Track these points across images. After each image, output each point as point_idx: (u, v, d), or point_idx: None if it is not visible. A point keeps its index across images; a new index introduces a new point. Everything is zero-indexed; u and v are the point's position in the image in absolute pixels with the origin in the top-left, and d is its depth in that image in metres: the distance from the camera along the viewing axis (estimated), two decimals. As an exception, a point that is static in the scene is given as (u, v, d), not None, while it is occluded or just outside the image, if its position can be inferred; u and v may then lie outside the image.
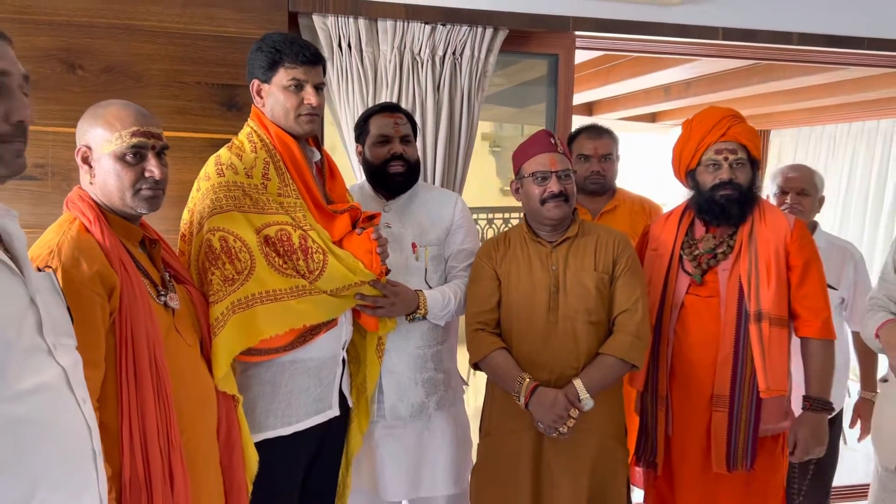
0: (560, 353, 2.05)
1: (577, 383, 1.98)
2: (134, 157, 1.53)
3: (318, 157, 2.01)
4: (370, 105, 2.61)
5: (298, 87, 1.85)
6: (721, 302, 2.13)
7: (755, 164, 2.18)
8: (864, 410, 2.69)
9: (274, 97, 1.86)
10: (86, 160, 1.55)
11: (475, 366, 2.15)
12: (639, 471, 2.46)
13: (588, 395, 1.96)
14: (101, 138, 1.53)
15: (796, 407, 2.20)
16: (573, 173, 2.12)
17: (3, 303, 1.09)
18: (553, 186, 2.05)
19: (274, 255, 1.81)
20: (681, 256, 2.21)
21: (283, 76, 1.84)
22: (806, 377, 2.15)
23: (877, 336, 1.85)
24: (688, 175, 2.25)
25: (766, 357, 2.04)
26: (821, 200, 2.70)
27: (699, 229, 2.23)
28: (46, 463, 1.11)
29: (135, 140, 1.53)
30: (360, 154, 2.27)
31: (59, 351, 1.18)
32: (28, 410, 1.08)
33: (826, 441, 2.13)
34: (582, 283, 2.07)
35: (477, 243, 2.30)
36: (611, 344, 2.04)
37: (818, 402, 2.11)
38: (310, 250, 1.82)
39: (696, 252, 2.19)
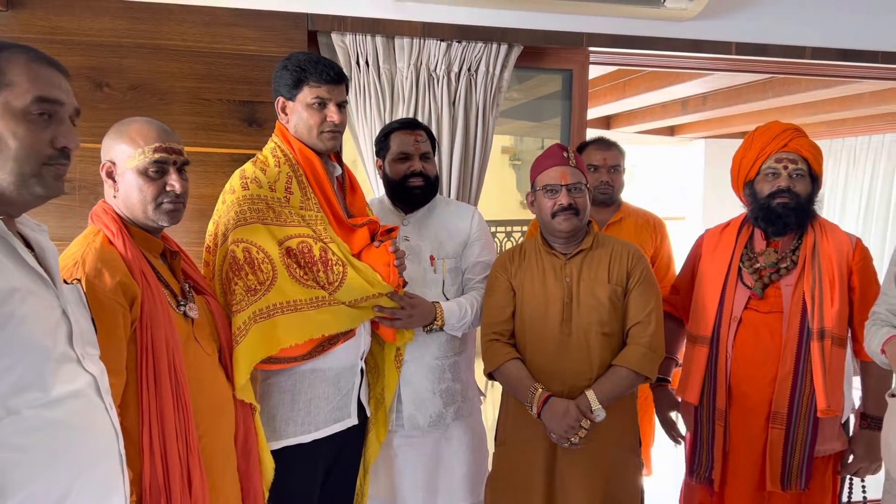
0: (573, 365, 2.06)
1: (590, 394, 2.00)
2: (156, 172, 1.59)
3: (339, 171, 2.06)
4: (388, 121, 2.66)
5: (322, 104, 1.90)
6: (784, 318, 2.10)
7: (816, 179, 2.15)
8: None
9: (298, 114, 1.92)
10: (110, 175, 1.61)
11: (489, 375, 2.18)
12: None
13: (600, 406, 1.98)
14: (125, 154, 1.58)
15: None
16: (586, 187, 2.13)
17: (41, 314, 1.15)
18: (562, 199, 2.07)
19: (295, 266, 1.86)
20: (739, 268, 2.19)
21: (307, 94, 1.89)
22: (864, 396, 2.15)
23: (882, 352, 1.84)
24: (746, 185, 2.22)
25: (827, 376, 2.02)
26: None
27: (759, 242, 2.20)
28: (80, 465, 1.17)
29: (157, 156, 1.58)
30: (381, 168, 2.31)
31: (87, 360, 1.24)
32: (64, 416, 1.15)
33: (878, 458, 2.12)
34: (595, 295, 2.08)
35: (493, 256, 2.33)
36: (623, 356, 2.05)
37: (875, 420, 2.10)
38: (330, 262, 1.87)
39: (757, 265, 2.16)
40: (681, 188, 8.74)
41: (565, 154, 2.12)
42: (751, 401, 2.12)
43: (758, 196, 2.16)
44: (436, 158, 2.64)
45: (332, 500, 2.10)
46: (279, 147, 1.94)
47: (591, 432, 2.00)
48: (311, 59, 1.90)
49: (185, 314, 1.64)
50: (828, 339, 2.04)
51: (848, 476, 2.26)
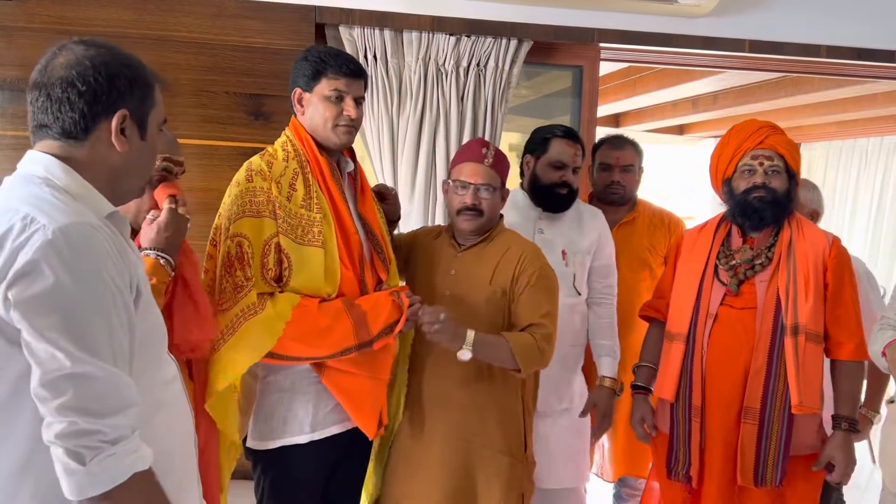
0: (441, 359, 1.99)
1: (470, 333, 1.86)
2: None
3: (351, 167, 2.02)
4: (395, 115, 2.66)
5: (339, 98, 1.86)
6: (757, 313, 2.09)
7: (793, 175, 2.15)
8: (862, 426, 2.63)
9: (314, 106, 1.88)
10: None
11: None
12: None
13: (471, 347, 1.85)
14: None
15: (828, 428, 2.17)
16: (500, 188, 2.04)
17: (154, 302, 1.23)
18: (467, 198, 2.00)
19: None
20: (716, 266, 2.19)
21: (325, 86, 1.86)
22: (836, 396, 2.12)
23: (883, 354, 1.81)
24: (724, 183, 2.22)
25: (801, 372, 2.00)
26: (812, 214, 2.62)
27: (735, 239, 2.20)
28: (179, 441, 1.26)
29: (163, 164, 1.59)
30: (529, 165, 2.40)
31: None
32: (168, 397, 1.24)
33: (855, 460, 2.10)
34: (473, 295, 2.00)
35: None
36: (512, 333, 1.94)
37: (844, 421, 2.08)
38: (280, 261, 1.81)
39: (733, 262, 2.16)
40: (690, 187, 8.70)
41: (484, 150, 2.02)
42: (725, 397, 2.11)
43: (735, 193, 2.17)
44: (442, 155, 2.63)
45: (337, 499, 2.06)
46: (290, 140, 1.90)
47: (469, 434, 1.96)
48: (331, 52, 1.87)
49: None
50: (801, 335, 2.02)
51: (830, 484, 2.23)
